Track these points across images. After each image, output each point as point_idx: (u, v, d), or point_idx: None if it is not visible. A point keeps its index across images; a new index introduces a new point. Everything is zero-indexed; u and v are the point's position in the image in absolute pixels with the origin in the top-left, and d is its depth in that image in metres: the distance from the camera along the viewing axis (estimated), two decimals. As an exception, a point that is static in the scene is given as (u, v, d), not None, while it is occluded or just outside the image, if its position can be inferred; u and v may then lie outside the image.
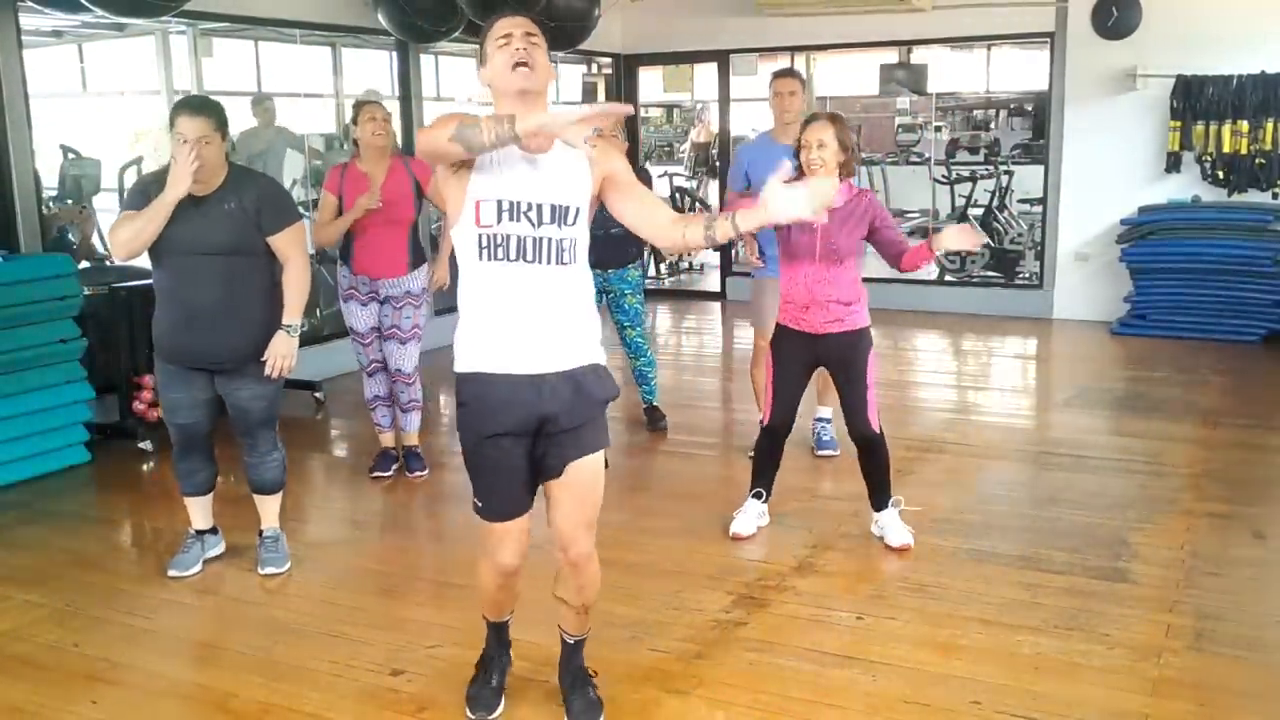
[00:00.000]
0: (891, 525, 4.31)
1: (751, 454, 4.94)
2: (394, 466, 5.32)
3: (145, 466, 5.63)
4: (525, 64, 2.69)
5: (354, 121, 5.02)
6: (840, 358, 4.19)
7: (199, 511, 4.23)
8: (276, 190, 4.06)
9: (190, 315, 3.82)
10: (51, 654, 3.58)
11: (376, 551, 4.57)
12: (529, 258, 2.67)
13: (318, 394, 6.79)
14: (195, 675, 3.45)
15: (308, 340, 7.48)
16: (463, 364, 2.78)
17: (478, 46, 2.80)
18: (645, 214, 2.81)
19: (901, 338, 8.64)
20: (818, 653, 3.45)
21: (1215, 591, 3.85)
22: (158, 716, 3.23)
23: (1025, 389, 7.65)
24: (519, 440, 2.78)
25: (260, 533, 4.25)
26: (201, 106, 3.81)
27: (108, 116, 8.96)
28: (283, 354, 3.89)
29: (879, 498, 4.35)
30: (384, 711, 3.18)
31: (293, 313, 3.92)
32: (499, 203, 2.66)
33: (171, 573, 4.14)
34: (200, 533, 4.26)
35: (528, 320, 2.71)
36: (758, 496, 4.46)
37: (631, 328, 5.79)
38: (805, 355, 4.23)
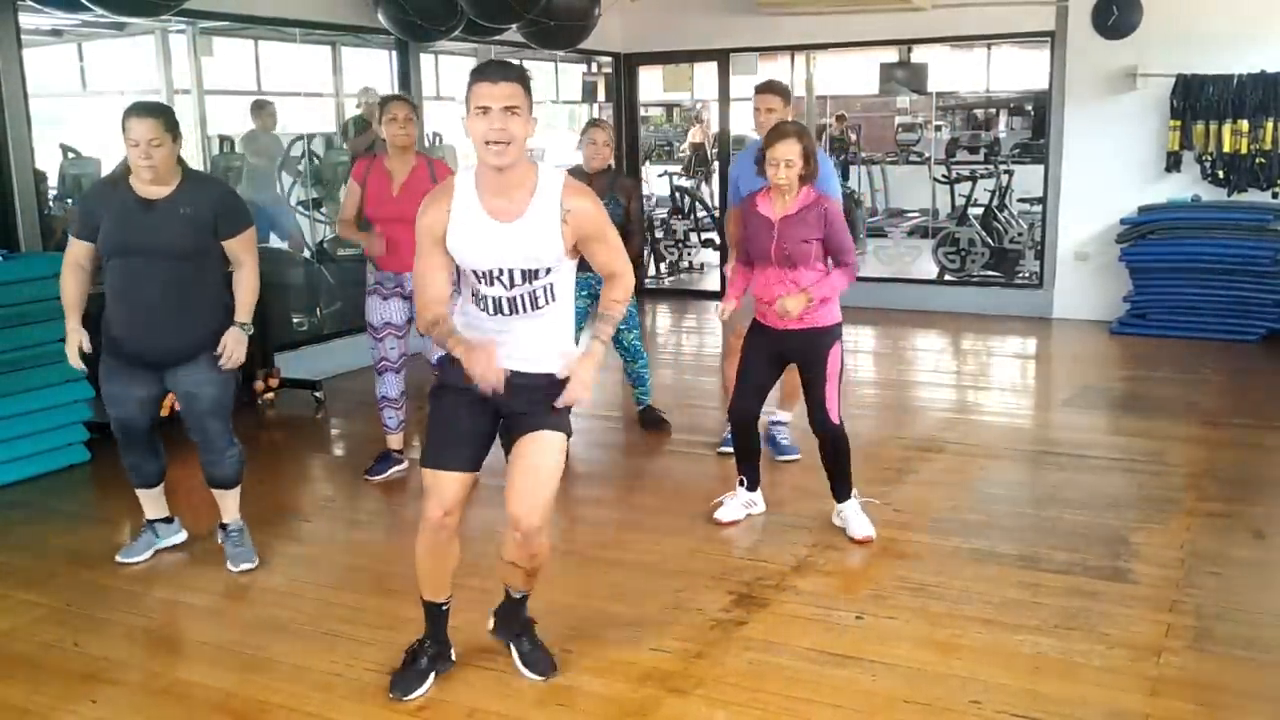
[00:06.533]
0: (853, 517, 4.37)
1: (719, 450, 5.37)
2: (394, 469, 5.29)
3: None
4: (501, 143, 2.79)
5: (379, 119, 5.05)
6: (802, 353, 4.30)
7: (150, 502, 4.30)
8: (232, 196, 4.14)
9: (141, 315, 3.89)
10: (51, 654, 3.58)
11: (376, 551, 4.57)
12: (506, 312, 2.97)
13: (318, 394, 6.79)
14: (195, 675, 3.45)
15: (308, 340, 7.51)
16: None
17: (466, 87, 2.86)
18: (597, 266, 3.10)
19: (901, 337, 8.64)
20: (818, 652, 3.45)
21: (1215, 591, 3.85)
22: (158, 716, 3.23)
23: (1025, 388, 7.65)
24: (474, 398, 2.97)
25: (223, 526, 4.27)
26: (151, 109, 3.86)
27: (108, 116, 8.95)
28: (235, 343, 3.98)
29: (840, 489, 4.40)
30: (384, 711, 3.18)
31: (244, 312, 4.02)
32: (474, 272, 2.95)
33: (119, 559, 4.24)
34: (152, 522, 4.33)
35: (504, 345, 2.97)
36: (741, 484, 4.57)
37: (628, 331, 5.79)
38: (770, 348, 4.34)
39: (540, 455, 3.03)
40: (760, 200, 4.26)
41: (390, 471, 5.28)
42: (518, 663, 3.31)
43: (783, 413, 5.42)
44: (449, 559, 3.20)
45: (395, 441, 5.31)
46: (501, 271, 2.91)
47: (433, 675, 3.25)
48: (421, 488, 3.19)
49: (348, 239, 5.26)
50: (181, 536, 4.41)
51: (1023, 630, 3.56)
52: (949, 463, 5.39)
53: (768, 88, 5.15)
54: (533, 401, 3.02)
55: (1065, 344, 8.45)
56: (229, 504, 4.25)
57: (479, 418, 3.06)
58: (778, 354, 4.36)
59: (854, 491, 4.42)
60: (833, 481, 4.41)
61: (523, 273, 2.92)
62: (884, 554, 4.25)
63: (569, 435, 3.13)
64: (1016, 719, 3.06)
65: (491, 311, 2.97)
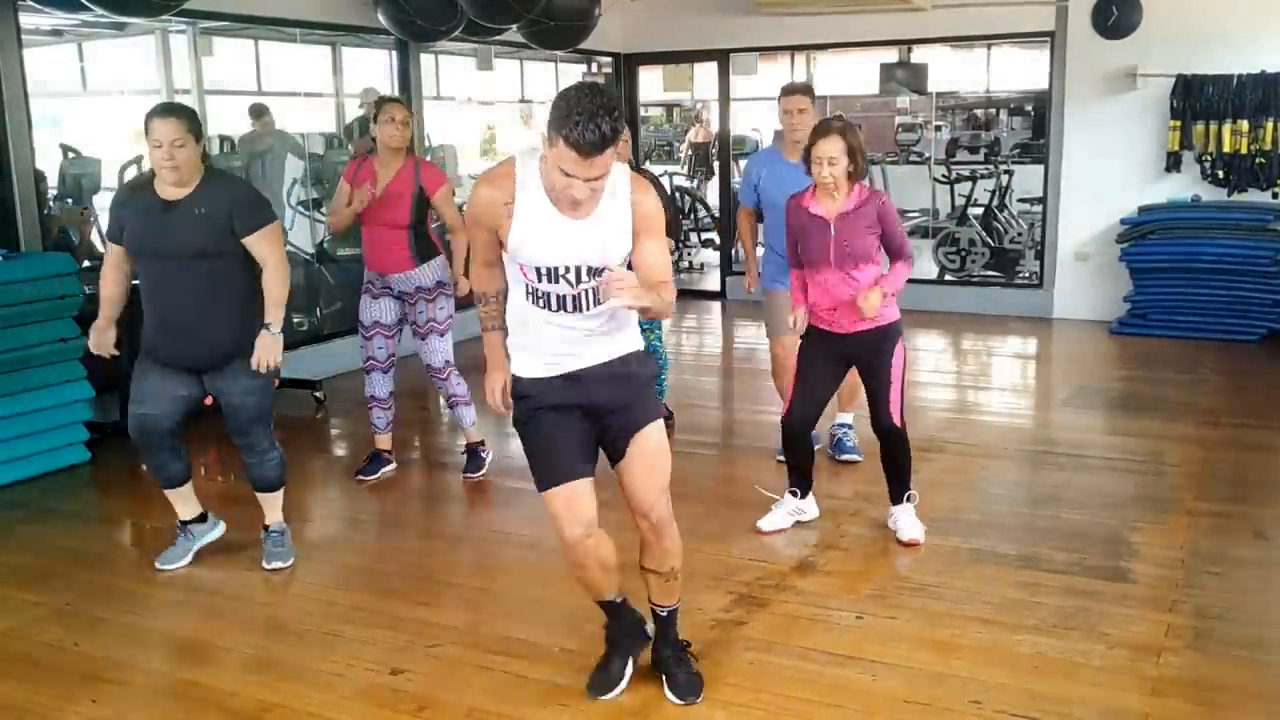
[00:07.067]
0: (905, 520, 4.33)
1: (779, 458, 5.06)
2: (384, 470, 5.29)
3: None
4: (579, 204, 2.73)
5: (374, 119, 4.99)
6: (866, 354, 4.24)
7: (180, 502, 4.26)
8: (249, 193, 4.09)
9: (169, 317, 3.91)
10: (51, 653, 3.58)
11: (376, 551, 4.57)
12: (569, 309, 2.85)
13: (318, 394, 6.79)
14: (195, 674, 3.45)
15: (308, 340, 7.51)
16: (517, 368, 2.99)
17: (547, 121, 2.65)
18: (641, 266, 2.90)
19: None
20: (818, 652, 3.45)
21: (1215, 591, 3.85)
22: (158, 716, 3.23)
23: (1025, 388, 7.65)
24: (571, 410, 2.94)
25: (265, 527, 4.27)
26: (174, 110, 3.89)
27: (108, 116, 8.95)
28: (266, 351, 3.96)
29: (896, 491, 4.37)
30: (384, 711, 3.18)
31: (272, 312, 3.99)
32: (538, 269, 2.81)
33: (158, 565, 4.21)
34: (186, 523, 4.28)
35: (568, 346, 2.90)
36: (793, 494, 4.47)
37: (649, 330, 5.77)
38: (833, 353, 4.27)
39: (652, 449, 3.00)
40: (809, 200, 4.17)
41: (381, 472, 5.28)
42: (667, 694, 3.18)
43: (844, 415, 5.38)
44: (605, 561, 3.07)
45: (384, 441, 5.31)
46: (568, 269, 2.80)
47: (630, 663, 3.23)
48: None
49: (340, 226, 5.18)
50: (219, 530, 4.37)
51: (1022, 630, 3.56)
52: (949, 463, 5.39)
53: (794, 89, 5.16)
54: (623, 391, 2.96)
55: (1065, 344, 8.45)
56: (272, 506, 4.28)
57: (579, 428, 2.97)
58: (840, 359, 4.29)
59: (909, 494, 4.37)
60: (890, 483, 4.38)
61: (590, 269, 2.81)
62: (884, 554, 4.25)
63: (661, 416, 3.10)
64: (1016, 719, 3.06)
65: (554, 308, 2.85)
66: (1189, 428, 5.88)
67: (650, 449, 3.00)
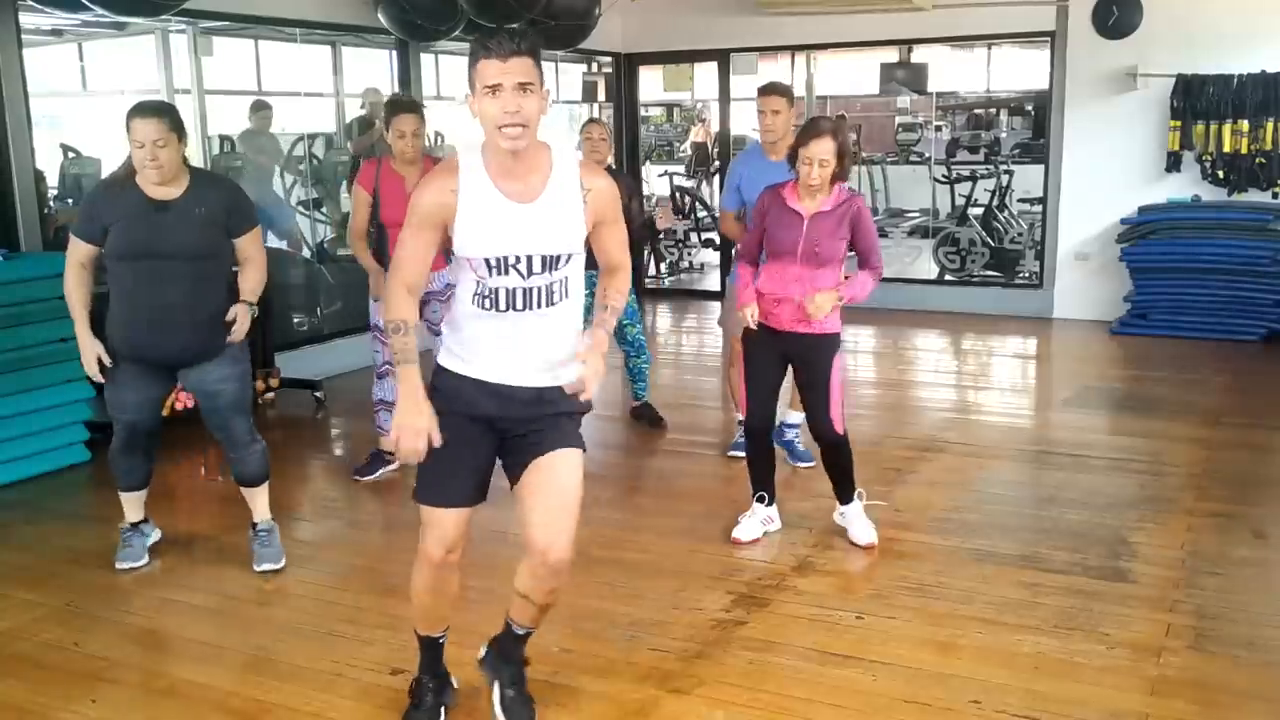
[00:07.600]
0: (856, 520, 4.31)
1: (728, 454, 5.28)
2: (384, 470, 5.28)
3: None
4: (517, 125, 2.54)
5: (386, 125, 4.97)
6: (803, 357, 4.19)
7: (133, 505, 4.28)
8: (240, 193, 4.14)
9: (156, 316, 3.87)
10: (51, 653, 3.58)
11: (376, 551, 4.57)
12: (518, 307, 2.70)
13: (318, 394, 6.79)
14: (195, 675, 3.45)
15: (308, 340, 7.52)
16: (443, 360, 2.84)
17: (467, 65, 2.59)
18: (603, 253, 2.86)
19: (901, 337, 8.63)
20: (818, 652, 3.45)
21: (1215, 591, 3.85)
22: (157, 716, 3.23)
23: (1025, 388, 7.65)
24: (477, 424, 2.79)
25: (254, 525, 4.26)
26: (156, 109, 3.83)
27: (108, 116, 8.94)
28: (243, 316, 3.98)
29: (842, 493, 4.34)
30: (384, 711, 3.18)
31: (250, 295, 4.02)
32: (487, 260, 2.66)
33: (120, 566, 4.20)
34: (135, 524, 4.30)
35: (507, 354, 2.75)
36: (760, 500, 4.42)
37: (631, 325, 5.83)
38: (773, 350, 4.21)
39: (565, 476, 2.78)
40: (790, 194, 4.10)
41: (380, 472, 5.28)
42: (496, 707, 3.05)
43: (795, 414, 5.25)
44: (450, 593, 2.99)
45: (388, 443, 5.29)
46: (519, 259, 2.65)
47: (443, 711, 3.08)
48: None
49: (360, 258, 5.10)
50: (158, 535, 4.40)
51: (1023, 630, 3.56)
52: (949, 463, 5.39)
53: (771, 89, 5.08)
54: (543, 416, 2.80)
55: (1065, 344, 8.45)
56: (259, 503, 4.25)
57: (480, 446, 2.83)
58: (781, 355, 4.22)
59: (859, 493, 4.37)
60: (835, 485, 4.35)
61: (542, 259, 2.67)
62: (884, 554, 4.25)
63: (584, 450, 2.88)
64: (1016, 719, 3.06)
65: (502, 306, 2.68)
66: (1189, 428, 5.88)
67: (562, 475, 2.78)
